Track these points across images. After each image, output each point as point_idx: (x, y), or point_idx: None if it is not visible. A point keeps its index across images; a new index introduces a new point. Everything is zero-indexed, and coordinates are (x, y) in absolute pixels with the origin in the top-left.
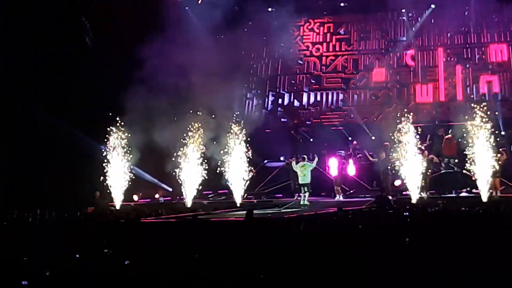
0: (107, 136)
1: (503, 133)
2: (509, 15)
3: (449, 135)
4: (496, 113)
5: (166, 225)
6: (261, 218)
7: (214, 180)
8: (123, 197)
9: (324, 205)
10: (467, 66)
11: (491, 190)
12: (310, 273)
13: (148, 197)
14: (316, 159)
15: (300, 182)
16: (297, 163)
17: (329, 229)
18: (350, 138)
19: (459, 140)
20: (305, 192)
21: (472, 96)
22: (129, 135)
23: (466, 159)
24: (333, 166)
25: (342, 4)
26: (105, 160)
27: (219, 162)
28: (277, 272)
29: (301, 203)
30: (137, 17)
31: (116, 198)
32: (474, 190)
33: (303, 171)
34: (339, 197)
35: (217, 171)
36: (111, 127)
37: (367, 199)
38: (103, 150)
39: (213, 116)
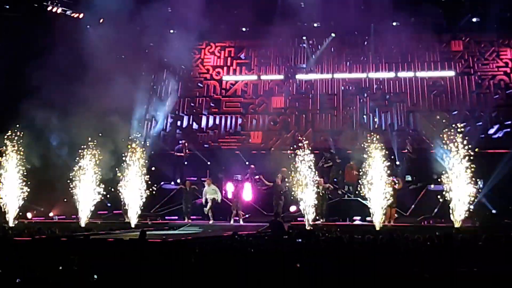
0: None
1: (398, 163)
2: (408, 46)
3: (351, 163)
4: (392, 143)
5: (60, 244)
6: (155, 240)
7: (110, 200)
8: (16, 214)
9: (221, 228)
10: (365, 95)
11: (386, 220)
12: None
13: (42, 215)
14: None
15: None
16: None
17: (223, 253)
18: (247, 163)
19: (359, 169)
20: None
21: (368, 125)
22: (24, 150)
23: (362, 187)
24: (229, 190)
25: (243, 29)
26: None
27: (116, 182)
28: None
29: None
30: (37, 34)
31: (9, 215)
32: (368, 218)
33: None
34: (239, 221)
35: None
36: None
37: (262, 224)
38: None
39: (100, 134)
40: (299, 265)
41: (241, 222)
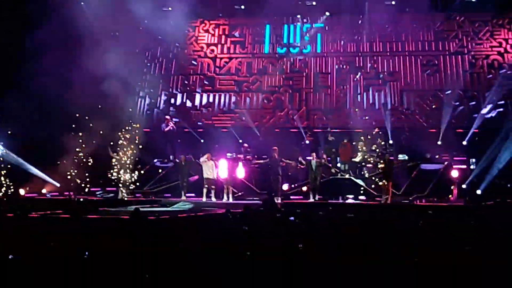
0: None
1: (391, 141)
2: (402, 25)
3: (345, 141)
4: (385, 122)
5: (54, 221)
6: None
7: (103, 177)
8: (9, 190)
9: (213, 206)
10: (359, 74)
11: (385, 196)
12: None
13: (35, 191)
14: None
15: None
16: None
17: (218, 230)
18: (240, 141)
19: (353, 147)
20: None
21: (362, 104)
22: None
23: (355, 166)
24: (222, 168)
25: (238, 7)
26: None
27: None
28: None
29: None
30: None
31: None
32: (360, 197)
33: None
34: (229, 199)
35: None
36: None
37: (255, 201)
38: None
39: (99, 106)
40: (301, 245)
41: (230, 200)
